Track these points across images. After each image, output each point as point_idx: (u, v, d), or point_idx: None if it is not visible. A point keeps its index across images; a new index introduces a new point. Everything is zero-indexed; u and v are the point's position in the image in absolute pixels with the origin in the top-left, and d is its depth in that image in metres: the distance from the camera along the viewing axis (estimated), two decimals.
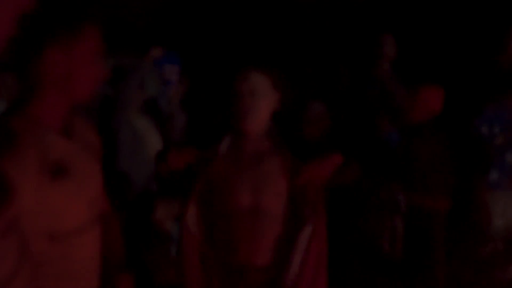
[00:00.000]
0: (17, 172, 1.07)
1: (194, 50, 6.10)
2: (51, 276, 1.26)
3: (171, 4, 5.92)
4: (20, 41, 1.17)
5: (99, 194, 1.43)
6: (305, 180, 1.65)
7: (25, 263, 0.83)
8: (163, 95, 3.22)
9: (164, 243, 2.77)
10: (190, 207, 1.74)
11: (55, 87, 1.24)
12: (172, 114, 3.10)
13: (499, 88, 3.42)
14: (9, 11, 0.72)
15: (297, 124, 3.23)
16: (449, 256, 3.75)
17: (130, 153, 2.99)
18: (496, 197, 3.51)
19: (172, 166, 1.66)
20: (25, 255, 0.84)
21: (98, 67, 1.30)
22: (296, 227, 1.70)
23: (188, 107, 3.83)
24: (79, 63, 1.24)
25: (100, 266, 1.44)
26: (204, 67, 4.02)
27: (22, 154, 1.15)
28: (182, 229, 1.77)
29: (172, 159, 1.65)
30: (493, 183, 3.49)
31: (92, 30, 1.27)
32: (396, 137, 3.42)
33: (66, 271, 1.29)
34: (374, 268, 3.32)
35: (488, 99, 3.47)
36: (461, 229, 4.11)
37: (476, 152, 3.51)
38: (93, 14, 1.28)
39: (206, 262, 1.73)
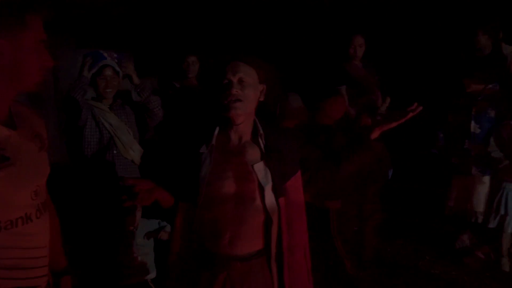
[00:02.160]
0: None
1: (174, 40, 6.04)
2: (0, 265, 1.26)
3: None
4: None
5: (44, 184, 1.43)
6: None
7: None
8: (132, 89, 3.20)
9: (129, 243, 2.77)
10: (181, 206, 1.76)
11: (0, 77, 1.24)
12: (147, 107, 3.07)
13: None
14: None
15: (275, 116, 3.26)
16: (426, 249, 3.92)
17: (98, 151, 2.93)
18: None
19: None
20: None
21: (43, 56, 1.30)
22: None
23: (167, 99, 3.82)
24: (24, 51, 1.24)
25: (48, 255, 1.43)
26: (183, 58, 4.01)
27: None
28: (175, 224, 1.78)
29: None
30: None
31: (35, 20, 1.26)
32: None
33: (14, 261, 1.29)
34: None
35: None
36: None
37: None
38: (36, 4, 1.27)
39: (189, 252, 1.75)
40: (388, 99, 2.34)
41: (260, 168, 1.71)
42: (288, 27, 5.55)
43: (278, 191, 1.70)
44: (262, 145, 1.74)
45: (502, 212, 3.41)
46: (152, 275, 2.84)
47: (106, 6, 5.60)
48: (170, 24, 5.97)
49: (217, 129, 1.77)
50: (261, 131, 1.77)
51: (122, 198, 1.55)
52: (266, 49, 4.36)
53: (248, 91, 1.69)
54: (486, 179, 3.60)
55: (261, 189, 1.69)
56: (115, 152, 2.94)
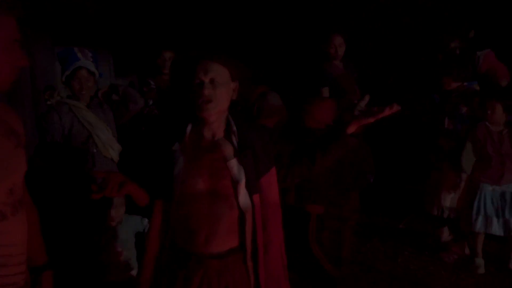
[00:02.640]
0: None
1: (147, 39, 5.98)
2: None
3: None
4: None
5: (21, 182, 1.40)
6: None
7: None
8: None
9: (110, 239, 2.74)
10: (157, 204, 1.73)
11: None
12: (127, 98, 3.04)
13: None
14: None
15: (254, 115, 3.26)
16: (405, 246, 3.97)
17: (77, 150, 2.87)
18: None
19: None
20: None
21: (16, 55, 1.27)
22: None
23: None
24: None
25: (26, 253, 1.41)
26: (158, 56, 3.97)
27: None
28: (150, 225, 1.76)
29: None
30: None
31: (7, 19, 1.24)
32: None
33: None
34: None
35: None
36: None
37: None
38: (6, 3, 1.24)
39: (165, 251, 1.74)
40: (368, 96, 2.37)
41: (233, 165, 1.70)
42: (268, 25, 5.56)
43: (251, 188, 1.70)
44: (235, 142, 1.74)
45: (482, 213, 3.45)
46: (135, 271, 2.82)
47: (83, 4, 5.52)
48: (148, 21, 5.92)
49: (190, 126, 1.76)
50: (234, 128, 1.76)
51: (92, 189, 1.51)
52: (245, 48, 4.37)
53: (220, 90, 1.68)
54: (457, 175, 3.63)
55: (235, 186, 1.69)
56: (94, 150, 2.90)
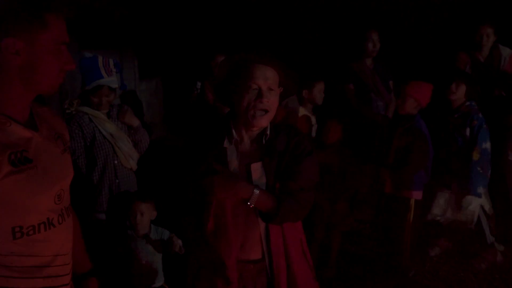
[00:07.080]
0: None
1: (172, 42, 6.01)
2: (17, 274, 1.20)
3: None
4: None
5: (67, 188, 1.37)
6: None
7: None
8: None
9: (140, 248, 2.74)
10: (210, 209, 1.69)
11: (18, 77, 1.19)
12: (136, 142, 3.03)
13: None
14: None
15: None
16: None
17: (104, 162, 2.81)
18: None
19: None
20: None
21: (63, 57, 1.24)
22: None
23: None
24: (42, 52, 1.19)
25: (71, 263, 1.38)
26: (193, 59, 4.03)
27: None
28: (204, 231, 1.70)
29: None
30: None
31: (56, 19, 1.21)
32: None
33: (33, 269, 1.23)
34: None
35: None
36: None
37: None
38: (58, 3, 1.22)
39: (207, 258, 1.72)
40: None
41: (256, 169, 1.67)
42: (295, 23, 5.53)
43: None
44: (263, 145, 1.70)
45: None
46: (160, 281, 2.80)
47: (109, 8, 5.59)
48: (172, 25, 5.95)
49: (231, 124, 1.72)
50: (268, 132, 1.72)
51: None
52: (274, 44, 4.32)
53: (274, 99, 1.65)
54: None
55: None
56: (116, 162, 2.85)
